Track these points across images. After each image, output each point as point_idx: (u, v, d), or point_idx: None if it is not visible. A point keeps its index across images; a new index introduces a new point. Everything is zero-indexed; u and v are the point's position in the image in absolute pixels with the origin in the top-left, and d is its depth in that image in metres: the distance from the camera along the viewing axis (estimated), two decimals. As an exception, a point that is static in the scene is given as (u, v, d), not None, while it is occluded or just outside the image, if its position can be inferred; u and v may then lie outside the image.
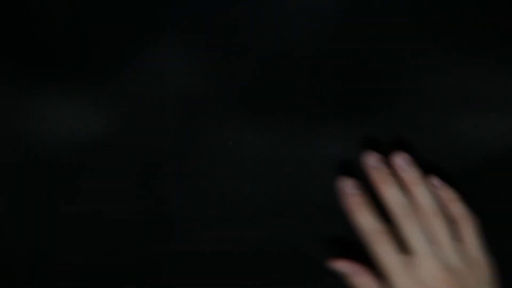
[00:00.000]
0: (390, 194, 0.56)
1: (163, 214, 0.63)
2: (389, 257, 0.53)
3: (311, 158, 0.62)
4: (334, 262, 0.57)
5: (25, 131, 0.62)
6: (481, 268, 0.55)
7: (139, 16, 0.62)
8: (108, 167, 0.61)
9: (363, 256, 0.60)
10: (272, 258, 0.63)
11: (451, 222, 0.56)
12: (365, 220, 0.55)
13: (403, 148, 0.63)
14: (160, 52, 0.62)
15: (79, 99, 0.62)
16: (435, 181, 0.57)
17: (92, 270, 0.64)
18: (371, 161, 0.58)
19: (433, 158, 0.62)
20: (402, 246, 0.55)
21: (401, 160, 0.58)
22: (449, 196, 0.57)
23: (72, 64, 0.62)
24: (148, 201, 0.62)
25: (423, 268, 0.53)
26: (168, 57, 0.62)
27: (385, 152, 0.63)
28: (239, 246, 0.63)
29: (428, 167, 0.63)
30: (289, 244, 0.63)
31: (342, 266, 0.57)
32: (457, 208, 0.56)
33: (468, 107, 0.62)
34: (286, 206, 0.63)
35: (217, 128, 0.62)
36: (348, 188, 0.57)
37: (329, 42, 0.62)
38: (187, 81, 0.62)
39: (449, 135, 0.62)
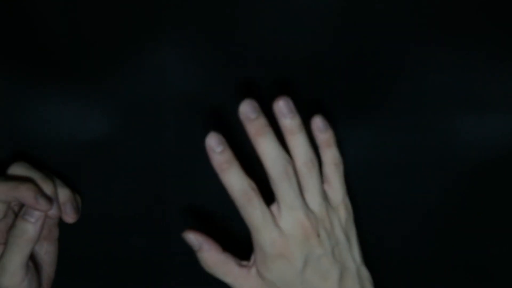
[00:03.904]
0: (265, 147, 0.52)
1: (162, 214, 0.63)
2: (256, 212, 0.52)
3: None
4: (186, 232, 0.54)
5: (25, 131, 0.62)
6: (343, 210, 0.55)
7: (139, 16, 0.62)
8: (108, 167, 0.61)
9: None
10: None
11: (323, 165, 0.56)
12: (233, 179, 0.52)
13: (403, 148, 0.63)
14: (160, 52, 0.62)
15: (79, 99, 0.62)
16: (319, 122, 0.54)
17: (91, 269, 0.64)
18: (247, 110, 0.52)
19: (433, 158, 0.63)
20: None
21: (283, 105, 0.53)
22: (329, 140, 0.55)
23: (71, 64, 0.62)
24: (147, 201, 0.62)
25: (284, 219, 0.53)
26: (168, 57, 0.62)
27: (385, 153, 0.63)
28: (238, 246, 0.64)
29: (428, 167, 0.63)
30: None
31: (190, 237, 0.54)
32: (332, 153, 0.55)
33: (468, 107, 0.62)
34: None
35: (217, 128, 0.62)
36: (214, 145, 0.52)
37: (329, 42, 0.62)
38: (187, 81, 0.62)
39: (449, 135, 0.63)
